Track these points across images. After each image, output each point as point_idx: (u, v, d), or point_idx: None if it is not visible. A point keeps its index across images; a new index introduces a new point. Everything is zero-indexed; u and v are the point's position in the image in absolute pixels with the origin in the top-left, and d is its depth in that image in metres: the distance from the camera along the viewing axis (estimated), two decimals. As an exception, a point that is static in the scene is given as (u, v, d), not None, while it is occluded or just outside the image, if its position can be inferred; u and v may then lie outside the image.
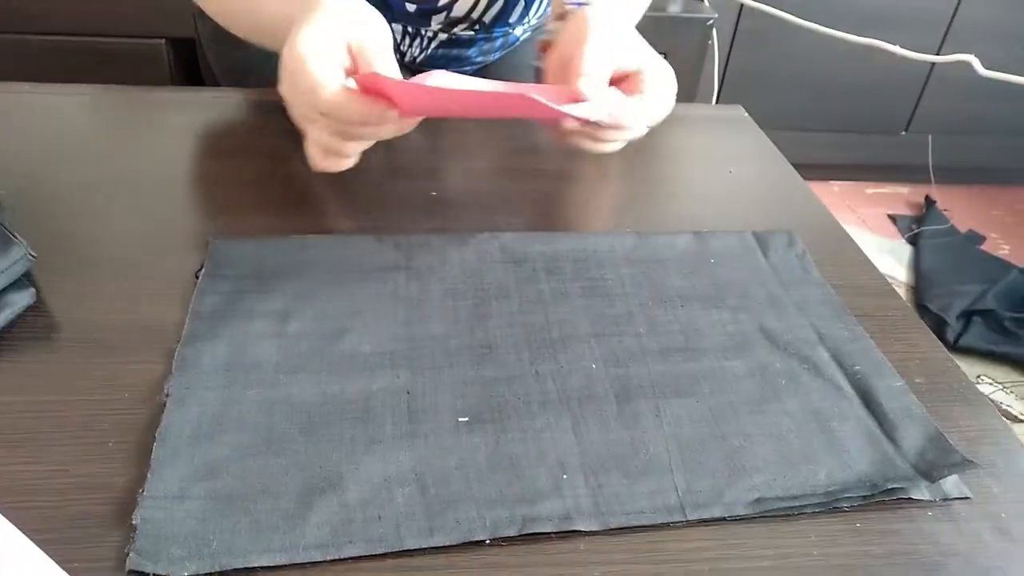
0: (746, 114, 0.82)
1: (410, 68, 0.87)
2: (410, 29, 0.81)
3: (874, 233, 2.11)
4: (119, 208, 0.58)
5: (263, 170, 0.64)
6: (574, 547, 0.38)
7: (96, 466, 0.39)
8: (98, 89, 0.74)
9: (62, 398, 0.43)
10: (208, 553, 0.36)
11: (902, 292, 1.87)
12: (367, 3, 0.56)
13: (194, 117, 0.71)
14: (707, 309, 0.53)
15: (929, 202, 2.21)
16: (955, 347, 1.69)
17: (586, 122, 0.57)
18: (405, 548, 0.37)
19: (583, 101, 0.55)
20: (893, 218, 2.18)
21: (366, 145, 0.56)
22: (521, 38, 0.90)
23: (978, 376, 1.66)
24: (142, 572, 0.35)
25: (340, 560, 0.36)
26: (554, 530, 0.38)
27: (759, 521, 0.40)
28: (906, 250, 2.04)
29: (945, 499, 0.42)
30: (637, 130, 0.61)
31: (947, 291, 1.82)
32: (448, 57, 0.86)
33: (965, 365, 1.67)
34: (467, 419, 0.44)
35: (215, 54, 0.89)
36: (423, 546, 0.37)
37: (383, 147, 0.69)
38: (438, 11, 0.79)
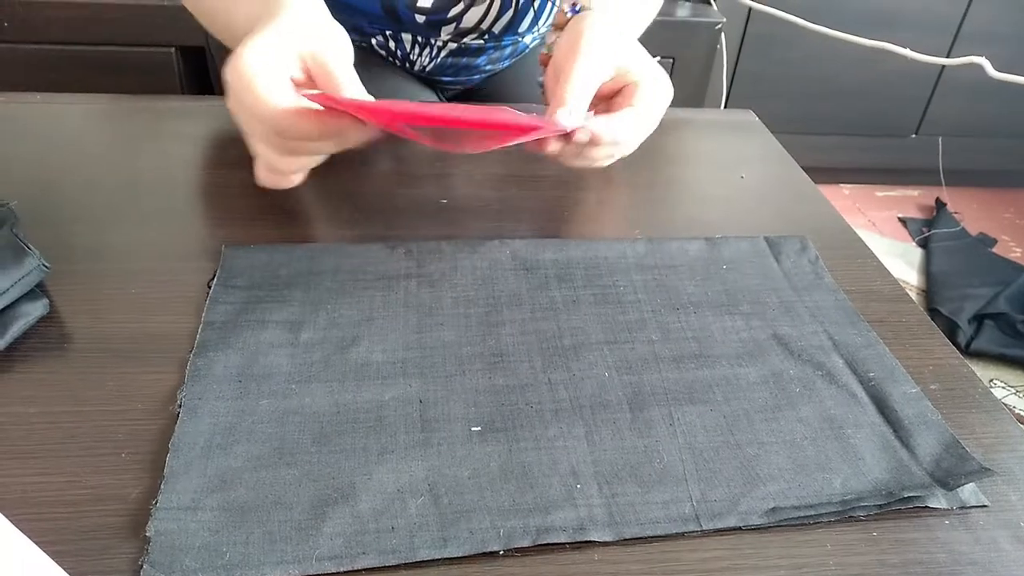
0: (756, 118, 0.81)
1: (419, 77, 0.87)
2: (419, 39, 0.81)
3: (884, 236, 2.11)
4: (131, 217, 0.58)
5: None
6: (588, 557, 0.38)
7: (109, 477, 0.39)
8: (109, 99, 0.74)
9: (75, 409, 0.43)
10: (221, 565, 0.36)
11: (913, 296, 1.86)
12: (329, 16, 0.55)
13: (205, 126, 0.71)
14: (720, 315, 0.53)
15: (940, 205, 2.20)
16: (967, 351, 1.68)
17: (568, 140, 0.56)
18: (418, 559, 0.37)
19: (559, 128, 0.54)
20: (904, 221, 2.18)
21: (314, 162, 0.55)
22: (531, 46, 0.90)
23: (991, 380, 1.65)
24: (156, 584, 0.35)
25: (353, 572, 0.36)
26: (568, 540, 0.38)
27: (774, 530, 0.40)
28: (917, 253, 2.03)
29: (962, 507, 0.42)
30: (628, 146, 0.61)
31: (959, 294, 1.81)
32: (458, 66, 0.86)
33: (978, 369, 1.66)
34: (480, 428, 0.43)
35: (225, 62, 0.90)
36: (436, 557, 0.37)
37: (392, 156, 0.69)
38: (448, 22, 0.79)
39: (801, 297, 0.55)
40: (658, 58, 1.58)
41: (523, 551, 0.38)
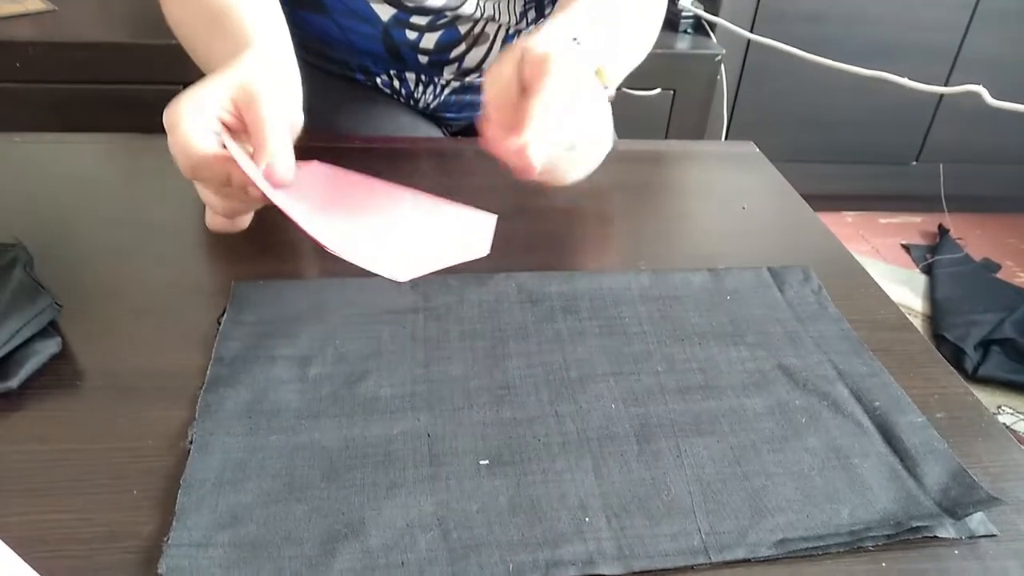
0: (757, 150, 0.82)
1: (424, 113, 0.88)
2: (423, 77, 0.83)
3: (888, 263, 2.11)
4: (142, 255, 0.59)
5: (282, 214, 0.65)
6: (598, 591, 0.38)
7: (122, 514, 0.40)
8: (119, 137, 0.76)
9: (87, 446, 0.43)
10: (233, 601, 0.36)
11: (918, 322, 1.85)
12: (287, 57, 0.57)
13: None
14: (725, 346, 0.53)
15: (943, 231, 2.20)
16: (974, 377, 1.68)
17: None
18: (429, 594, 0.37)
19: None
20: (907, 247, 2.18)
21: (249, 207, 0.54)
22: None
23: (998, 406, 1.64)
24: (168, 621, 0.35)
25: (364, 607, 0.36)
26: (577, 574, 0.38)
27: (783, 562, 0.40)
28: (921, 280, 2.03)
29: (971, 537, 0.42)
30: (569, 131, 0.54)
31: (964, 320, 1.80)
32: (461, 103, 0.87)
33: (985, 395, 1.65)
34: (488, 462, 0.44)
35: None
36: (447, 592, 0.37)
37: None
38: (450, 62, 0.80)
39: (805, 327, 0.56)
40: (658, 90, 1.61)
41: (533, 585, 0.38)
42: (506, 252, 0.62)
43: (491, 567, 0.38)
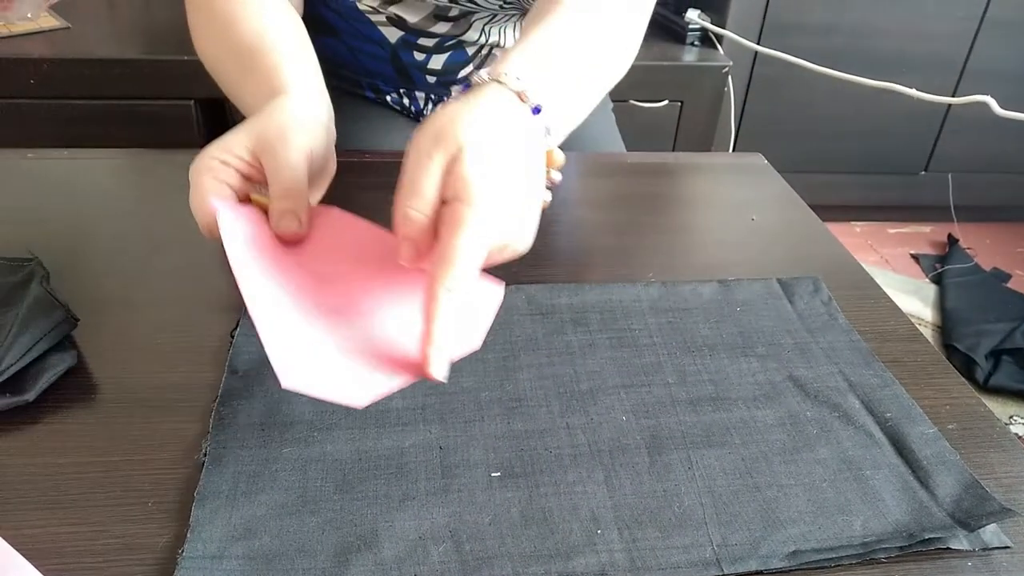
0: (765, 161, 0.83)
1: None
2: (432, 96, 0.84)
3: (898, 273, 2.10)
4: (155, 269, 0.59)
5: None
6: (610, 603, 0.38)
7: (136, 526, 0.40)
8: (132, 153, 0.77)
9: (102, 459, 0.44)
10: (247, 613, 0.36)
11: (928, 332, 1.85)
12: (319, 106, 0.53)
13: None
14: (735, 358, 0.53)
15: (952, 241, 2.20)
16: (985, 387, 1.67)
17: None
18: (442, 606, 0.37)
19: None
20: (916, 257, 2.17)
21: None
22: None
23: (1011, 416, 1.63)
24: (183, 633, 0.35)
25: (378, 619, 0.36)
26: (590, 586, 0.38)
27: (795, 573, 0.40)
28: (931, 290, 2.02)
29: (984, 549, 0.41)
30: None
31: (974, 330, 1.80)
32: None
33: (996, 405, 1.64)
34: (499, 474, 0.44)
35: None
36: (460, 604, 0.37)
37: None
38: (458, 82, 0.81)
39: (816, 338, 0.56)
40: (666, 102, 1.61)
41: (545, 597, 0.38)
42: (515, 264, 0.62)
43: (504, 579, 0.38)
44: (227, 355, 0.50)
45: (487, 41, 0.78)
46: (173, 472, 0.43)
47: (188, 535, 0.39)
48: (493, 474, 0.44)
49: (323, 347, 0.41)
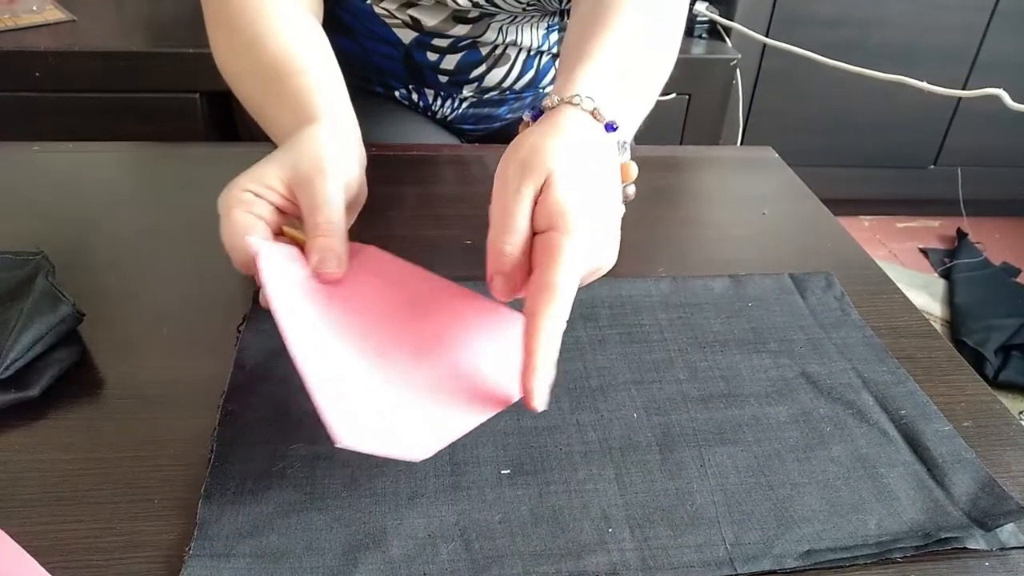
0: (776, 155, 0.82)
1: (442, 124, 0.88)
2: (442, 93, 0.83)
3: (906, 267, 2.09)
4: (162, 263, 0.59)
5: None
6: (622, 603, 0.37)
7: (143, 523, 0.40)
8: (138, 146, 0.76)
9: (108, 455, 0.43)
10: (255, 612, 0.36)
11: (938, 327, 1.84)
12: (351, 134, 0.52)
13: (232, 171, 0.72)
14: (747, 354, 0.53)
15: (961, 235, 2.18)
16: (995, 382, 1.66)
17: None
18: (451, 605, 0.36)
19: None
20: (925, 252, 2.16)
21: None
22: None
23: (1020, 412, 1.62)
24: (190, 632, 0.35)
25: (386, 618, 0.36)
26: (601, 585, 0.38)
27: (810, 573, 0.39)
28: (940, 284, 2.01)
29: (1002, 548, 0.41)
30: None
31: (984, 325, 1.78)
32: (479, 115, 0.87)
33: (1006, 401, 1.64)
34: (509, 471, 0.43)
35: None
36: (469, 603, 0.37)
37: (416, 198, 0.70)
38: (470, 82, 0.80)
39: (828, 334, 0.55)
40: (673, 95, 1.60)
41: (556, 597, 0.37)
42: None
43: (514, 578, 0.38)
44: (234, 350, 0.50)
45: (504, 40, 0.77)
46: (179, 469, 0.43)
47: (195, 532, 0.39)
48: (503, 471, 0.43)
49: (378, 398, 0.40)
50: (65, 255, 0.57)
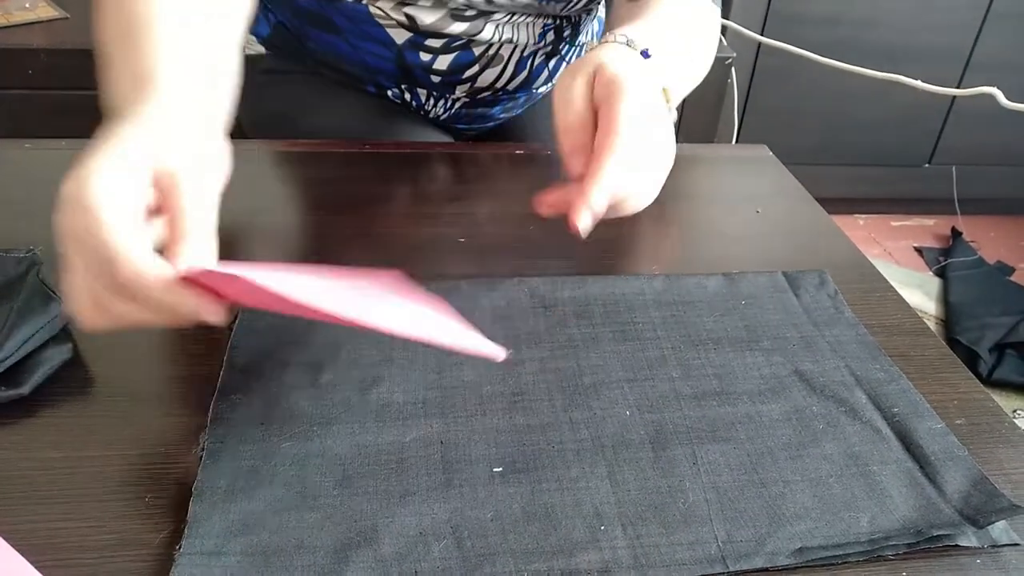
0: (770, 153, 0.82)
1: (435, 123, 0.88)
2: (435, 93, 0.83)
3: (901, 266, 2.09)
4: (153, 261, 0.59)
5: (292, 221, 0.65)
6: (614, 600, 0.37)
7: (133, 522, 0.39)
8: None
9: (99, 453, 0.43)
10: (245, 611, 0.35)
11: (932, 326, 1.84)
12: (203, 110, 0.45)
13: (224, 169, 0.72)
14: (740, 352, 0.53)
15: (956, 234, 2.19)
16: (989, 381, 1.66)
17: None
18: (443, 603, 0.36)
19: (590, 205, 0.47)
20: (920, 250, 2.16)
21: (152, 315, 0.40)
22: (545, 92, 0.91)
23: (1014, 410, 1.63)
24: (180, 631, 0.35)
25: (378, 616, 0.36)
26: (593, 583, 0.38)
27: (802, 570, 0.39)
28: (934, 283, 2.02)
29: (994, 546, 0.41)
30: (638, 192, 0.53)
31: (978, 324, 1.79)
32: (472, 115, 0.87)
33: (1000, 399, 1.64)
34: (501, 469, 0.43)
35: (245, 108, 0.91)
36: (461, 601, 0.37)
37: (409, 196, 0.70)
38: (463, 82, 0.80)
39: (822, 332, 0.55)
40: (669, 93, 1.60)
41: (548, 595, 0.37)
42: (518, 257, 0.62)
43: (505, 576, 0.38)
44: (225, 349, 0.50)
45: (500, 39, 0.77)
46: (171, 467, 0.42)
47: (185, 531, 0.38)
48: (495, 469, 0.43)
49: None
50: (56, 254, 0.57)
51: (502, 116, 0.89)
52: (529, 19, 0.77)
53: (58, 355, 0.48)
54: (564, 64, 0.85)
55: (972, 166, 2.18)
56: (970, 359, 1.70)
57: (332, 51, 0.80)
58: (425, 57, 0.77)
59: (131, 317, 0.39)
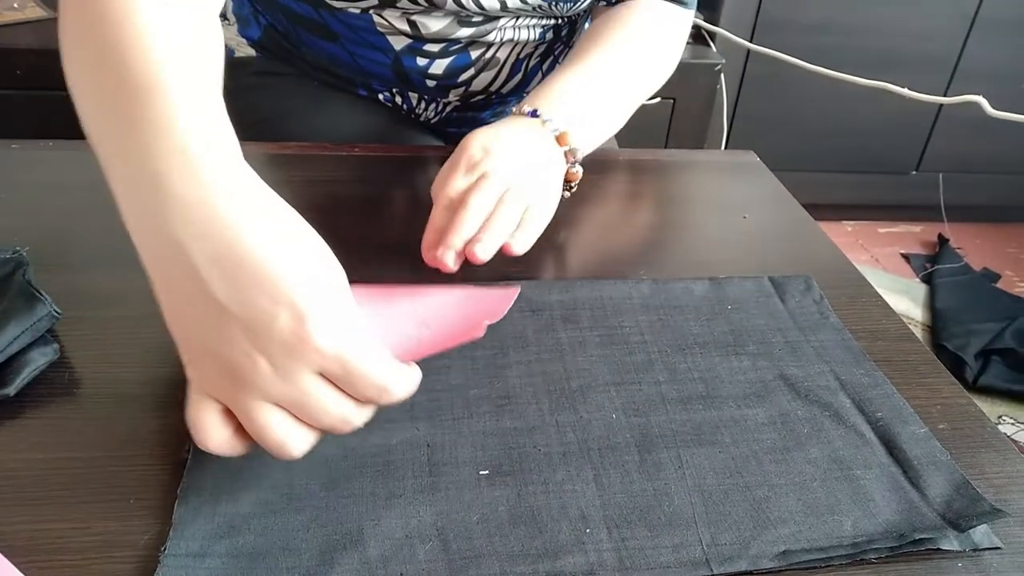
0: (758, 159, 0.82)
1: (425, 127, 0.88)
2: (427, 97, 0.83)
3: (888, 272, 2.11)
4: (140, 264, 0.59)
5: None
6: (599, 603, 0.38)
7: (118, 524, 0.39)
8: (120, 145, 0.75)
9: (84, 455, 0.43)
10: (230, 613, 0.35)
11: (918, 332, 1.85)
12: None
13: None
14: (726, 356, 0.53)
15: (942, 240, 2.20)
16: (974, 387, 1.68)
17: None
18: (428, 606, 0.36)
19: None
20: (907, 257, 2.18)
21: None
22: None
23: (999, 416, 1.64)
24: (164, 633, 0.34)
25: (363, 619, 0.36)
26: (578, 585, 0.38)
27: (786, 573, 0.40)
28: (921, 289, 2.03)
29: (975, 549, 0.41)
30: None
31: (964, 330, 1.80)
32: (463, 119, 0.87)
33: (985, 405, 1.65)
34: (488, 472, 0.43)
35: (235, 110, 0.91)
36: (446, 603, 0.37)
37: (399, 200, 0.70)
38: (457, 86, 0.80)
39: (807, 337, 0.55)
40: (658, 99, 1.61)
41: (533, 597, 0.37)
42: (505, 261, 0.62)
43: (491, 579, 0.38)
44: (213, 350, 0.50)
45: (501, 40, 0.77)
46: (156, 469, 0.42)
47: (170, 532, 0.38)
48: (481, 472, 0.43)
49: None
50: (43, 254, 0.56)
51: (492, 121, 0.90)
52: (533, 20, 0.78)
53: (44, 356, 0.47)
54: (557, 65, 0.85)
55: (958, 173, 2.20)
56: (956, 365, 1.71)
57: (326, 56, 0.80)
58: (422, 62, 0.77)
59: (304, 438, 0.38)
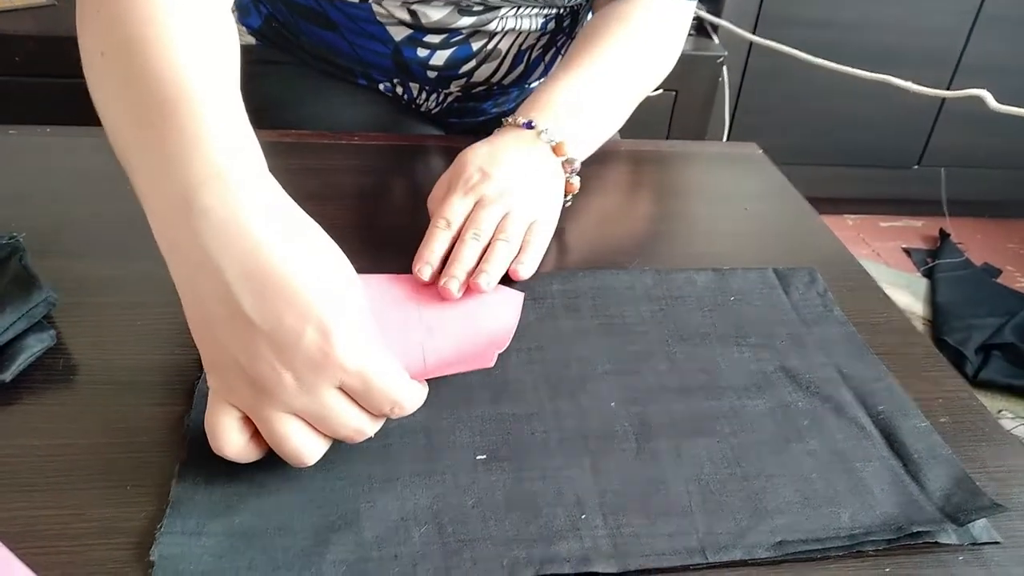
0: (760, 151, 0.82)
1: (426, 116, 0.87)
2: (427, 87, 0.82)
3: (889, 266, 2.10)
4: (138, 249, 0.58)
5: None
6: (595, 591, 0.37)
7: (115, 510, 0.39)
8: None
9: (81, 441, 0.43)
10: (225, 597, 0.35)
11: (919, 326, 1.85)
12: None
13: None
14: (728, 347, 0.53)
15: (944, 235, 2.20)
16: (974, 381, 1.67)
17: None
18: (423, 591, 0.36)
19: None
20: (908, 251, 2.18)
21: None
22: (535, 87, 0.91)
23: (999, 411, 1.64)
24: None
25: (358, 604, 0.36)
26: (571, 571, 0.38)
27: (782, 564, 0.40)
28: (922, 284, 2.03)
29: (974, 543, 0.41)
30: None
31: (964, 325, 1.80)
32: (464, 109, 0.87)
33: (986, 399, 1.65)
34: (485, 457, 0.43)
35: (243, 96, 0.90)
36: (440, 588, 0.37)
37: (399, 189, 0.70)
38: (459, 77, 0.80)
39: (810, 329, 0.55)
40: (660, 91, 1.60)
41: (529, 584, 0.37)
42: (506, 249, 0.62)
43: (485, 562, 0.38)
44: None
45: (503, 30, 0.76)
46: (153, 455, 0.42)
47: (167, 510, 0.38)
48: (478, 457, 0.43)
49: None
50: (40, 240, 0.56)
51: (493, 111, 0.89)
52: (535, 10, 0.77)
53: (40, 342, 0.47)
54: (560, 56, 0.84)
55: (961, 168, 2.19)
56: (957, 360, 1.71)
57: (325, 45, 0.80)
58: (422, 53, 0.77)
59: (318, 445, 0.39)
